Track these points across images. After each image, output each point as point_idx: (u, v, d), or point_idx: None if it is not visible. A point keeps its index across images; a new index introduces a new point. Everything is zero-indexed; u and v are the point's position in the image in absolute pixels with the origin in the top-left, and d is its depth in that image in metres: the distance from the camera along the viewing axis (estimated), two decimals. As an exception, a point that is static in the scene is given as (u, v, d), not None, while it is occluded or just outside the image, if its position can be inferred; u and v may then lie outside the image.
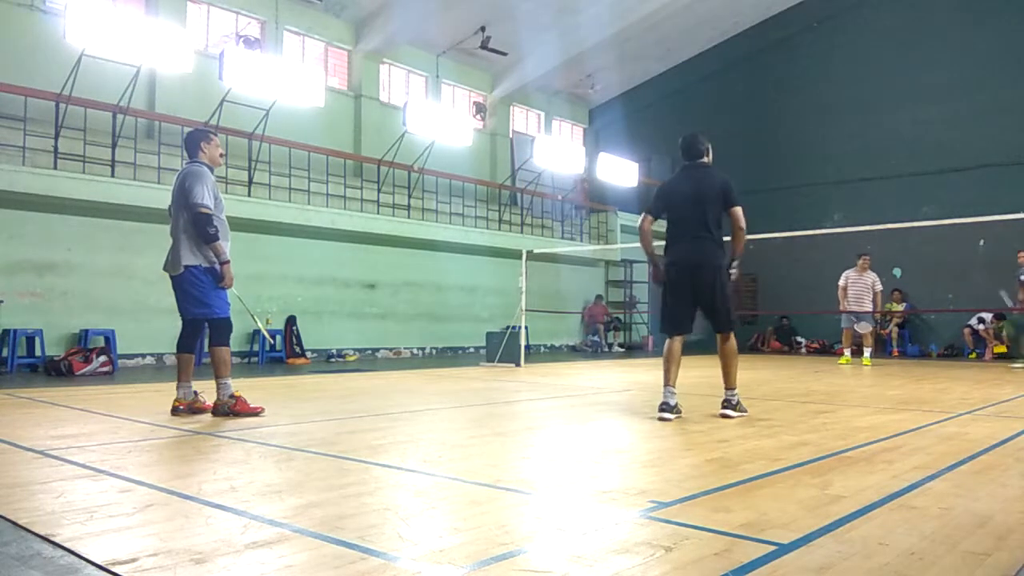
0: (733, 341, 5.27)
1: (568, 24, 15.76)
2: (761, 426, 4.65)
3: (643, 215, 5.39)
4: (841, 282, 11.85)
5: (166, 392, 5.73)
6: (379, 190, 13.64)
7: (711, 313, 5.19)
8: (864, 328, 12.01)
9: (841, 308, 11.96)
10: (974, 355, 14.21)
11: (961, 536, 2.29)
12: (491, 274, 14.98)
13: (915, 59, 15.89)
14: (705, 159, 5.34)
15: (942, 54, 15.58)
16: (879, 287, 11.79)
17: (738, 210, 5.15)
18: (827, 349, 15.86)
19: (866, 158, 16.32)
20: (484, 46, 16.07)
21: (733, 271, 5.15)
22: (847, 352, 12.25)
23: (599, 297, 17.58)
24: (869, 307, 11.75)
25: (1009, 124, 14.69)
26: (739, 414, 5.13)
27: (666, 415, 4.92)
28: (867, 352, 11.94)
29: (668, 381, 5.04)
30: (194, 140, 5.16)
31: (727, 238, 5.28)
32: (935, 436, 4.35)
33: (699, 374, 9.25)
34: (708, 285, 5.10)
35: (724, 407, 5.16)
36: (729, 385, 5.23)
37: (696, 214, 5.12)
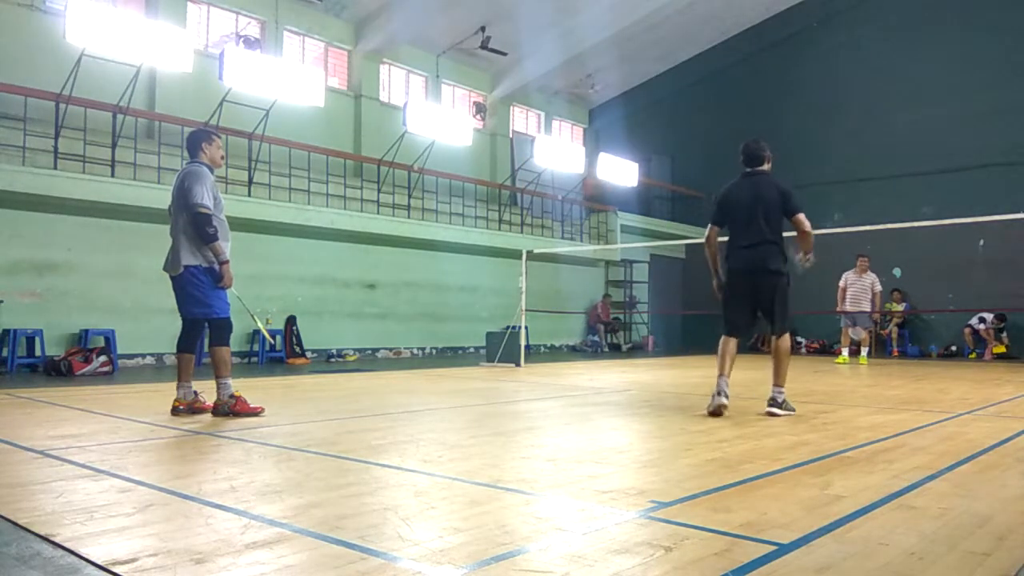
0: (786, 341, 5.35)
1: (568, 24, 15.76)
2: (761, 426, 4.65)
3: (709, 227, 5.50)
4: (841, 283, 11.96)
5: (166, 392, 5.73)
6: (379, 190, 13.63)
7: (767, 316, 5.31)
8: (858, 334, 12.17)
9: (838, 308, 12.02)
10: (974, 355, 14.22)
11: (961, 536, 2.29)
12: (491, 274, 14.97)
13: (915, 59, 15.89)
14: (765, 166, 5.43)
15: (942, 54, 15.57)
16: (878, 287, 11.92)
17: (800, 216, 5.25)
18: (827, 349, 15.85)
19: (866, 158, 16.32)
20: (484, 46, 16.07)
21: (808, 261, 5.31)
22: (845, 352, 12.29)
23: (607, 296, 17.59)
24: (867, 308, 11.82)
25: (1009, 124, 14.68)
26: (786, 412, 5.15)
27: (720, 399, 5.03)
28: (864, 352, 12.05)
29: (722, 372, 5.17)
30: (195, 140, 5.16)
31: (788, 234, 5.33)
32: (935, 436, 4.35)
33: (701, 374, 9.25)
34: (768, 290, 5.24)
35: (770, 405, 5.21)
36: (777, 383, 5.26)
37: (755, 221, 5.24)
